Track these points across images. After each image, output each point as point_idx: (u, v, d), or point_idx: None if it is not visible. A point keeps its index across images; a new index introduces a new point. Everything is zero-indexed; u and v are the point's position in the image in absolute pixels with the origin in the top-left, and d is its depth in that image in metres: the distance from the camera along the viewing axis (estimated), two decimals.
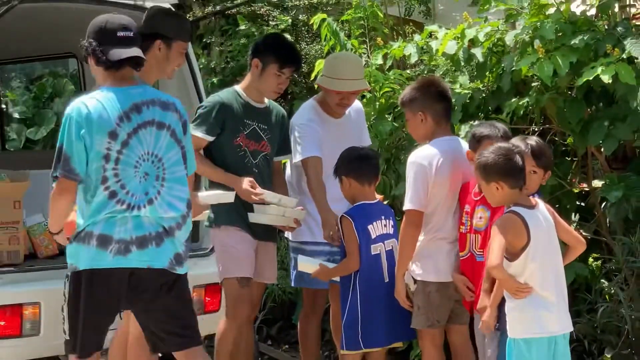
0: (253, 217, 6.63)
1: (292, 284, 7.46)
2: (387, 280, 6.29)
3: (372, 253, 6.27)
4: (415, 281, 6.22)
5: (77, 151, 5.30)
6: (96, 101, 5.38)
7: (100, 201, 5.38)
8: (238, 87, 6.85)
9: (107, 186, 5.38)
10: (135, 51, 5.52)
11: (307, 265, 6.55)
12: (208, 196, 6.44)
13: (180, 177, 5.65)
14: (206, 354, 5.85)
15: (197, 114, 6.70)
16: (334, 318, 7.05)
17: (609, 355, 7.30)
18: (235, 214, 6.66)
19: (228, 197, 6.41)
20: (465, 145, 6.30)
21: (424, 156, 6.13)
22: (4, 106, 9.27)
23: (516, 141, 5.71)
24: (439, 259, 6.17)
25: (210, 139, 6.62)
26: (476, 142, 5.85)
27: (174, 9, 7.22)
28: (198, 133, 6.56)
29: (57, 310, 6.59)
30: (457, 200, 6.14)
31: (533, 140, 5.86)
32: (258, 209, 6.61)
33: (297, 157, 6.87)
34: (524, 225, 5.38)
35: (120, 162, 5.40)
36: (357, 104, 7.25)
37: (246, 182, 6.52)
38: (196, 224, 7.21)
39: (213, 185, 6.74)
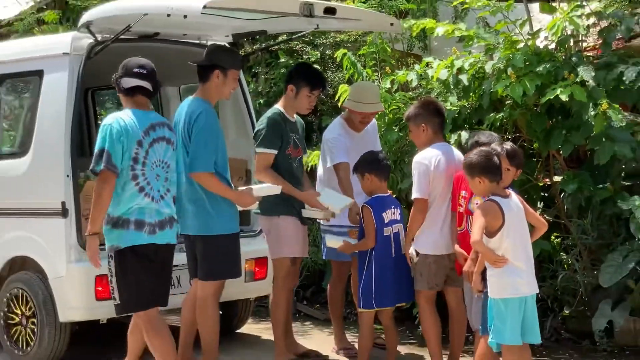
0: (305, 213, 6.64)
1: (323, 257, 7.45)
2: (393, 255, 6.28)
3: (385, 234, 6.27)
4: (417, 254, 6.23)
5: (116, 151, 5.51)
6: (128, 117, 5.63)
7: (132, 194, 5.61)
8: (279, 107, 6.79)
9: (138, 182, 5.62)
10: (141, 82, 5.74)
11: (333, 242, 6.60)
12: (260, 189, 6.41)
13: (175, 181, 5.93)
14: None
15: (261, 134, 6.60)
16: (354, 284, 7.04)
17: (567, 312, 7.28)
18: (291, 206, 6.63)
19: (276, 190, 6.37)
20: (454, 151, 6.34)
21: (426, 157, 6.16)
22: (100, 122, 9.32)
23: (495, 145, 5.69)
24: (436, 237, 6.17)
25: (276, 152, 6.58)
26: (478, 147, 5.79)
27: (228, 45, 7.24)
28: (268, 150, 6.55)
29: None
30: (451, 190, 6.12)
31: (508, 145, 5.85)
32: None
33: (329, 163, 6.84)
34: (500, 210, 5.36)
35: (146, 165, 5.65)
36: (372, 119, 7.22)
37: (313, 195, 6.58)
38: (247, 210, 7.23)
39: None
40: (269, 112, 6.81)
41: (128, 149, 5.59)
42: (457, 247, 6.03)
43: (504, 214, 5.38)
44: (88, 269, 6.24)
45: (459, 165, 5.97)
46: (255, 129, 6.79)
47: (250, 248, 7.21)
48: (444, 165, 6.12)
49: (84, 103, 8.92)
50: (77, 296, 6.61)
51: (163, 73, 8.55)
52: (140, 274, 5.70)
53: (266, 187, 6.44)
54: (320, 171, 7.21)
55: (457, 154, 6.27)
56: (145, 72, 5.77)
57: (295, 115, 6.88)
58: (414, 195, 6.15)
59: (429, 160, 6.13)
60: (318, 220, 7.18)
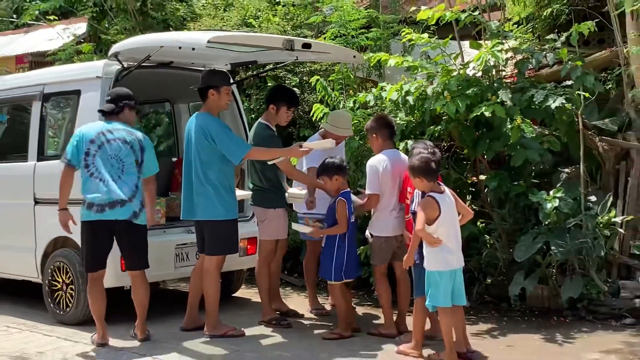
0: (288, 200, 6.71)
1: (301, 237, 7.43)
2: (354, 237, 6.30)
3: (351, 221, 6.27)
4: (372, 236, 6.24)
5: (72, 150, 6.04)
6: (90, 126, 6.15)
7: (86, 178, 6.01)
8: (264, 121, 6.75)
9: (89, 170, 6.00)
10: (106, 107, 6.22)
11: (301, 227, 6.54)
12: (312, 143, 6.47)
13: (132, 173, 6.05)
14: (145, 278, 6.22)
15: (261, 136, 6.59)
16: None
17: (489, 281, 7.29)
18: (282, 199, 6.72)
19: (326, 144, 6.37)
20: (400, 155, 6.38)
21: (376, 161, 6.18)
22: None
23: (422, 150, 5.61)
24: (387, 223, 6.20)
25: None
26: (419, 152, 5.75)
27: (217, 68, 7.19)
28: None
29: (159, 254, 6.67)
30: (400, 185, 6.14)
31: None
32: (291, 195, 6.75)
33: (305, 166, 6.87)
34: (436, 204, 5.38)
35: (96, 157, 5.99)
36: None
37: (297, 147, 6.38)
38: (241, 202, 7.23)
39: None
40: (257, 127, 6.74)
41: (82, 147, 5.98)
42: (405, 232, 6.06)
43: (440, 206, 5.40)
44: (115, 246, 6.21)
45: (404, 167, 5.99)
46: (252, 136, 6.74)
47: (244, 230, 7.18)
48: (391, 167, 6.14)
49: None
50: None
51: (176, 93, 8.54)
52: (90, 244, 6.01)
53: (316, 142, 6.47)
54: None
55: (403, 157, 6.28)
56: (108, 98, 6.25)
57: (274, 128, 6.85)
58: (367, 191, 6.19)
59: (379, 163, 6.16)
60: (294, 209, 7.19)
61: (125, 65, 6.69)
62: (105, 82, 6.68)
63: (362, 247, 6.96)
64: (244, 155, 6.19)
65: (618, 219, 6.82)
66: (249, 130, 7.20)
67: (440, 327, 5.60)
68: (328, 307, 7.25)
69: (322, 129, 7.07)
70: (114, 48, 6.72)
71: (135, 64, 6.69)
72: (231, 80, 6.65)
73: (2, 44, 15.30)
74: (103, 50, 10.98)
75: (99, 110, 6.26)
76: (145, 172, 6.17)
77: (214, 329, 6.29)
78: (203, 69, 7.21)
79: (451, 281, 5.43)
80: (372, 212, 6.36)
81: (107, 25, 11.45)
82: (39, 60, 11.81)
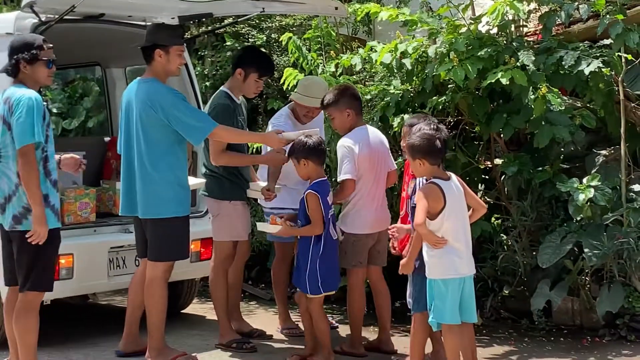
0: (250, 193, 6.68)
1: (267, 239, 7.39)
2: (335, 237, 6.20)
3: (329, 217, 6.20)
4: (342, 233, 6.25)
5: None
6: None
7: None
8: (225, 89, 6.73)
9: None
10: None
11: (264, 226, 6.45)
12: (292, 133, 6.38)
13: (8, 157, 5.55)
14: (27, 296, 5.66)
15: (212, 111, 6.54)
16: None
17: (506, 292, 7.31)
18: (241, 190, 6.65)
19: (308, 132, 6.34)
20: (375, 131, 6.49)
21: (351, 140, 6.23)
22: (44, 103, 9.14)
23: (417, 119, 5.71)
24: (363, 217, 6.25)
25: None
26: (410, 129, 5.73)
27: (165, 22, 7.12)
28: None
29: (87, 259, 6.62)
30: (380, 171, 6.22)
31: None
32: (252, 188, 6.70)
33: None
34: (441, 192, 5.34)
35: None
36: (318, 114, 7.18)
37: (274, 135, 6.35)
38: (193, 191, 7.17)
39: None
40: (216, 96, 6.75)
41: None
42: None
43: (445, 196, 5.36)
44: None
45: (380, 146, 6.16)
46: (207, 114, 6.70)
47: (197, 229, 7.10)
48: (368, 148, 6.19)
49: None
50: None
51: (108, 54, 8.44)
52: None
53: (299, 132, 6.34)
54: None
55: (378, 134, 6.42)
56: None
57: (240, 98, 6.83)
58: (341, 176, 6.17)
59: (354, 143, 6.18)
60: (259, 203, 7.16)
61: (43, 19, 6.57)
62: None
63: None
64: (206, 135, 6.14)
65: None
66: (203, 103, 7.15)
67: (445, 350, 5.58)
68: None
69: (292, 103, 7.06)
70: None
71: (56, 16, 6.57)
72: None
73: None
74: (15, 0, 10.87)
75: None
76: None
77: (158, 354, 6.24)
78: (144, 23, 7.12)
79: (459, 292, 5.40)
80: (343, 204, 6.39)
81: None
82: None
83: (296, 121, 6.97)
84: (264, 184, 6.65)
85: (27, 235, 5.40)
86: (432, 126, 5.49)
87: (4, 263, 5.81)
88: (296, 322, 7.24)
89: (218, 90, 6.83)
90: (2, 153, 5.54)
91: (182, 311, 7.93)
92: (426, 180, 5.48)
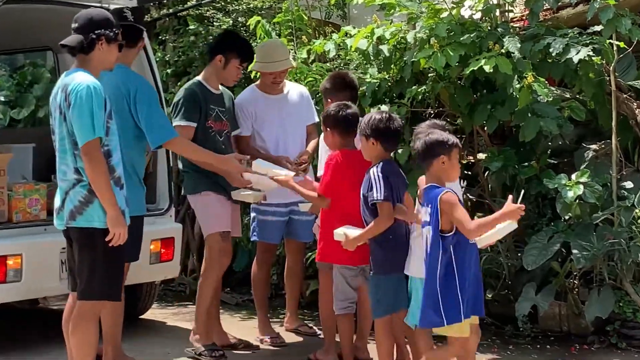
0: (235, 195, 6.57)
1: (251, 239, 7.34)
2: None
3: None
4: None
5: None
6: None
7: None
8: (201, 79, 6.74)
9: None
10: (70, 39, 5.42)
11: (239, 195, 6.50)
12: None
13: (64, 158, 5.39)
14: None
15: (177, 106, 6.55)
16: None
17: (489, 296, 7.34)
18: (214, 182, 6.57)
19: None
20: None
21: None
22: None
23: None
24: None
25: (195, 125, 6.50)
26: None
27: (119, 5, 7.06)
28: (186, 122, 6.49)
29: (37, 260, 6.58)
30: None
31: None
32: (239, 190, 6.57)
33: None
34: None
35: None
36: (300, 87, 7.28)
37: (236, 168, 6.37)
38: (152, 185, 7.17)
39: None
40: (186, 84, 6.76)
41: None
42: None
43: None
44: None
45: None
46: (172, 102, 6.72)
47: (156, 228, 7.15)
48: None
49: None
50: None
51: (61, 38, 8.37)
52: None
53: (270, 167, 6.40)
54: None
55: None
56: (75, 25, 5.43)
57: (220, 87, 6.82)
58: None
59: None
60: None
61: None
62: None
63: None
64: (167, 143, 6.10)
65: None
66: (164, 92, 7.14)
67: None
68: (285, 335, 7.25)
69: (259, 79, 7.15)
70: None
71: None
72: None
73: None
74: None
75: (62, 45, 5.47)
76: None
77: None
78: (99, 5, 7.09)
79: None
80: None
81: None
82: None
83: (265, 94, 7.02)
84: (248, 191, 6.53)
85: (106, 239, 5.26)
86: (384, 115, 5.75)
87: (69, 266, 5.67)
88: (277, 332, 7.24)
89: (190, 82, 6.82)
90: (60, 147, 5.37)
91: (141, 317, 7.89)
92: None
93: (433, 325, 5.27)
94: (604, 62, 6.92)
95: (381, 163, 5.69)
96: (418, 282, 5.46)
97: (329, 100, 6.48)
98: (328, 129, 6.15)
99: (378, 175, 5.62)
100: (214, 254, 6.64)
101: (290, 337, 7.24)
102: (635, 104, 7.27)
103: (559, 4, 7.40)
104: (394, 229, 5.68)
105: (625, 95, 7.25)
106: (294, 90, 7.17)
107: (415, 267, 5.56)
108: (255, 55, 6.99)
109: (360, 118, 5.98)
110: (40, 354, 6.73)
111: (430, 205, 5.25)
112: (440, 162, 5.24)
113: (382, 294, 5.71)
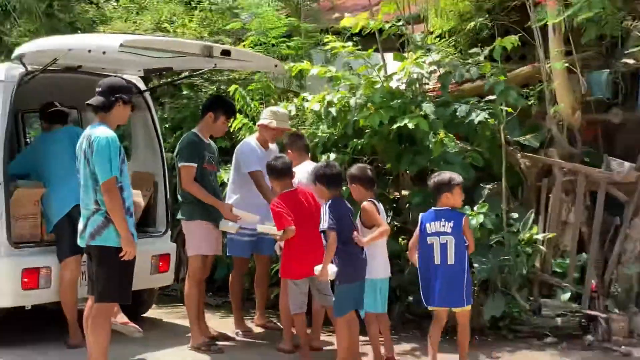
0: (221, 226, 6.46)
1: (227, 254, 7.20)
2: None
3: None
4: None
5: None
6: None
7: None
8: (196, 131, 6.62)
9: None
10: (94, 100, 5.37)
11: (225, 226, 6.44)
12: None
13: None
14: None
15: (182, 152, 6.43)
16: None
17: (410, 298, 7.26)
18: (206, 212, 6.42)
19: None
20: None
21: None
22: (28, 140, 8.87)
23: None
24: None
25: (196, 165, 6.39)
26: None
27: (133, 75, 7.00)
28: (189, 163, 6.38)
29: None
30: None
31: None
32: (224, 222, 6.45)
33: (245, 169, 6.79)
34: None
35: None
36: (274, 145, 7.12)
37: (228, 207, 6.42)
38: (153, 213, 7.05)
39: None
40: (186, 135, 6.65)
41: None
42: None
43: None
44: (15, 263, 5.96)
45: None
46: (176, 150, 6.61)
47: (155, 246, 7.08)
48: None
49: (15, 124, 8.57)
50: (5, 285, 6.32)
51: (84, 100, 8.26)
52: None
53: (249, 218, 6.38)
54: (231, 179, 7.07)
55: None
56: (99, 89, 5.39)
57: (209, 140, 6.71)
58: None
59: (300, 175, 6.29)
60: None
61: (29, 69, 6.46)
62: (8, 86, 6.44)
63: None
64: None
65: (539, 236, 6.96)
66: (164, 141, 7.07)
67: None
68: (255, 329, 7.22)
69: (255, 132, 7.06)
70: (19, 50, 6.50)
71: (41, 67, 6.47)
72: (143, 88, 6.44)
73: None
74: (4, 52, 10.59)
75: (87, 104, 5.46)
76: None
77: None
78: (114, 75, 7.02)
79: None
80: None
81: (9, 27, 11.07)
82: None
83: (261, 147, 6.91)
84: (231, 224, 6.44)
85: (120, 255, 5.16)
86: (324, 164, 5.95)
87: (88, 275, 5.53)
88: (249, 327, 7.17)
89: (188, 133, 6.71)
90: (83, 184, 5.28)
91: (143, 315, 7.70)
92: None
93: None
94: (496, 122, 6.98)
95: (330, 201, 5.67)
96: (379, 282, 5.72)
97: (289, 151, 6.56)
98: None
99: (326, 210, 5.62)
100: (193, 271, 6.54)
101: (258, 331, 7.18)
102: (519, 154, 7.36)
103: (463, 79, 7.47)
104: (350, 249, 5.66)
105: (512, 148, 7.34)
106: (273, 147, 7.07)
107: (379, 271, 5.76)
108: (266, 113, 6.94)
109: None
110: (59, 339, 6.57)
111: (453, 221, 5.66)
112: (445, 196, 5.68)
113: (344, 298, 5.68)
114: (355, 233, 5.67)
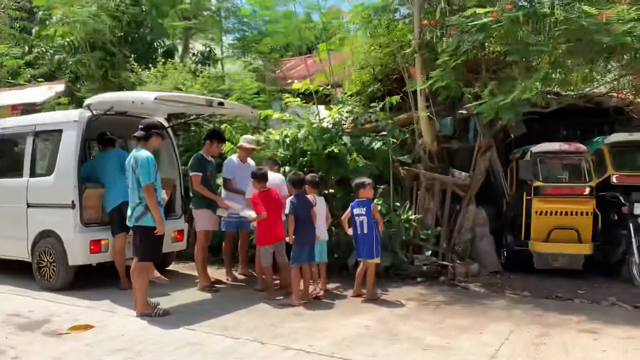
0: (218, 212, 6.40)
1: (221, 229, 6.94)
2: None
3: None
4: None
5: None
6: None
7: None
8: (201, 152, 6.54)
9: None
10: (137, 133, 5.30)
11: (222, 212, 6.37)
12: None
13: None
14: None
15: (193, 165, 6.35)
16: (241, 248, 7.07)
17: (336, 255, 7.01)
18: (208, 204, 6.35)
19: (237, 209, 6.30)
20: (276, 176, 6.40)
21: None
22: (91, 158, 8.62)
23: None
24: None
25: (201, 174, 6.32)
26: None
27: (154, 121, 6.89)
28: (197, 172, 6.30)
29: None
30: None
31: (309, 176, 6.07)
32: (219, 210, 6.39)
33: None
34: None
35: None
36: (252, 162, 6.97)
37: (222, 200, 6.34)
38: (173, 204, 6.93)
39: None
40: (194, 156, 6.53)
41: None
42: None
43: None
44: (85, 236, 5.81)
45: (279, 184, 6.14)
46: (189, 164, 6.54)
47: (175, 225, 7.00)
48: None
49: (84, 147, 8.35)
50: (78, 250, 6.17)
51: (129, 132, 8.16)
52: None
53: (239, 208, 6.26)
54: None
55: (277, 177, 6.32)
56: (141, 126, 5.31)
57: (210, 157, 6.62)
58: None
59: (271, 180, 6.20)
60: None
61: (94, 113, 6.35)
62: (80, 124, 6.32)
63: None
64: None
65: (412, 217, 7.07)
66: (180, 159, 6.96)
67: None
68: (239, 276, 7.06)
69: (237, 152, 6.97)
70: (87, 101, 6.39)
71: (102, 112, 6.36)
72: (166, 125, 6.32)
73: (1, 97, 13.99)
74: (75, 103, 10.33)
75: (134, 136, 5.31)
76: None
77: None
78: (148, 117, 6.91)
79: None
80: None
81: (79, 86, 10.82)
82: (29, 108, 10.85)
83: (240, 162, 6.79)
84: (223, 210, 6.37)
85: (154, 232, 5.09)
86: (293, 173, 5.93)
87: (133, 243, 5.37)
88: (235, 274, 7.01)
89: (196, 153, 6.60)
90: (131, 187, 5.19)
91: (167, 268, 7.55)
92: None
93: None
94: (387, 148, 7.04)
95: (293, 196, 5.69)
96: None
97: (267, 166, 6.47)
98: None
99: (290, 202, 5.62)
100: (200, 240, 6.47)
101: (241, 278, 7.06)
102: (400, 167, 7.45)
103: (366, 121, 7.56)
104: (304, 225, 5.65)
105: (396, 164, 7.39)
106: (250, 162, 6.98)
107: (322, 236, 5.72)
108: (242, 139, 6.82)
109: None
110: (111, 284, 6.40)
111: (365, 207, 5.64)
112: (362, 192, 5.68)
113: (297, 255, 5.65)
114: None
